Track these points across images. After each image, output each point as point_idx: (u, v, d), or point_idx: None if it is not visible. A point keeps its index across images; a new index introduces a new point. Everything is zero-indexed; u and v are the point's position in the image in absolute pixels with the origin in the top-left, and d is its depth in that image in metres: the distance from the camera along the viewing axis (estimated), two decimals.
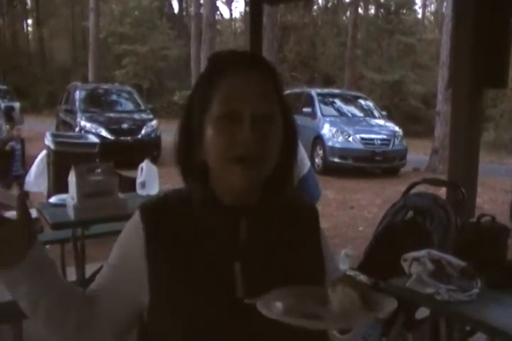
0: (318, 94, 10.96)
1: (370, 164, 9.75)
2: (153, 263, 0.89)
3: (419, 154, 11.30)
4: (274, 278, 0.88)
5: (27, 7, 32.31)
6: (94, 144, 5.33)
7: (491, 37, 2.75)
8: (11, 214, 2.35)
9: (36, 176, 4.72)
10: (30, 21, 33.00)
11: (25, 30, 33.27)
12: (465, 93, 2.85)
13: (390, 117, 12.25)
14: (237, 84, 0.88)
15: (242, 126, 0.85)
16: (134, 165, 3.56)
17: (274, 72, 0.92)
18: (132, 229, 0.93)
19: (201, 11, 18.72)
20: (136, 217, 0.93)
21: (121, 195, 2.82)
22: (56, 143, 4.88)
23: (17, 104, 13.40)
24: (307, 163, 2.96)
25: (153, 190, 3.25)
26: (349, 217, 6.36)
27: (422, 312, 2.19)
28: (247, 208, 0.91)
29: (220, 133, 0.86)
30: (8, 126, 7.57)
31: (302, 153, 2.92)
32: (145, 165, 3.31)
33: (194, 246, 0.89)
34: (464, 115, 2.89)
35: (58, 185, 4.00)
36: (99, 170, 2.79)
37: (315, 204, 1.09)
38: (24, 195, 0.83)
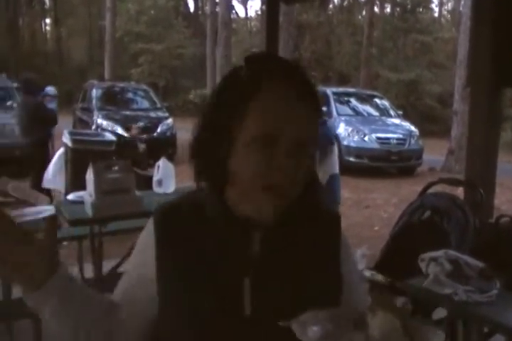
0: (334, 93, 10.89)
1: (386, 163, 9.69)
2: (163, 270, 0.87)
3: (435, 154, 11.20)
4: (285, 296, 0.83)
5: (45, 7, 32.72)
6: (111, 142, 5.37)
7: (510, 35, 2.71)
8: (30, 210, 2.39)
9: (54, 173, 4.77)
10: (48, 21, 33.45)
11: (43, 29, 33.70)
12: (483, 92, 2.82)
13: (405, 116, 12.16)
14: (276, 101, 0.79)
15: (278, 150, 0.79)
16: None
17: (313, 85, 0.84)
18: (146, 236, 0.91)
19: (217, 9, 18.78)
20: (150, 223, 0.91)
21: (137, 193, 2.84)
22: (74, 140, 4.93)
23: None
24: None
25: (170, 187, 3.27)
26: (364, 216, 6.33)
27: (439, 313, 2.18)
28: (261, 221, 0.84)
29: (253, 154, 0.79)
30: None
31: (336, 152, 3.29)
32: (162, 163, 3.32)
33: (205, 255, 0.86)
34: (482, 114, 2.85)
35: (76, 182, 4.04)
36: (116, 168, 2.82)
37: (338, 212, 1.00)
38: (54, 218, 0.81)
